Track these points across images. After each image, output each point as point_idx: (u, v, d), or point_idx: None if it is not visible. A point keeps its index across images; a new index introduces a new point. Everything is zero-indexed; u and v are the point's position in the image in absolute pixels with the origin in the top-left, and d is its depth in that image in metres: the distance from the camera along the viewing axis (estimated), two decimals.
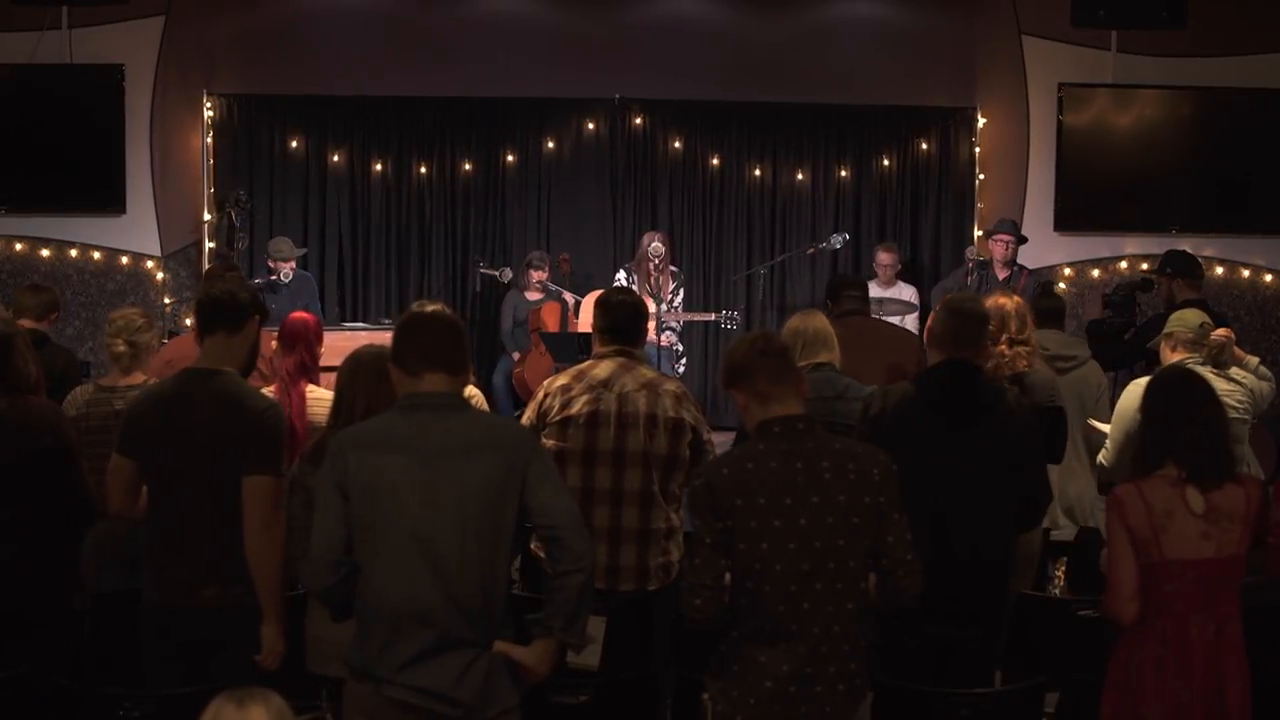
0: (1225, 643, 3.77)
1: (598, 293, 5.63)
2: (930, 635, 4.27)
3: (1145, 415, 3.94)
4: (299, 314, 5.64)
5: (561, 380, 4.90)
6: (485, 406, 5.28)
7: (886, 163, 11.14)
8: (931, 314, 4.68)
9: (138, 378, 5.27)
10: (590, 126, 11.09)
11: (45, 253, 10.25)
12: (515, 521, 3.44)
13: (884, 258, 10.42)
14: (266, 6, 10.84)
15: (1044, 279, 10.10)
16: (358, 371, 4.29)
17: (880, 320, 7.69)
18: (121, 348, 5.26)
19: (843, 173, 11.14)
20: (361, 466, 3.41)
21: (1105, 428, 5.79)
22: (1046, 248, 10.46)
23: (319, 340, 5.54)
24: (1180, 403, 3.84)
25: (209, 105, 10.66)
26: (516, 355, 10.29)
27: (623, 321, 4.92)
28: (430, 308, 4.99)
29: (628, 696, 4.17)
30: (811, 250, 10.51)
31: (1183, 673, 3.74)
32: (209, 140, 10.65)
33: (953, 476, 4.29)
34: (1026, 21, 10.42)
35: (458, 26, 10.92)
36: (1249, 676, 3.81)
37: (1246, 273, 10.51)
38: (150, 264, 10.35)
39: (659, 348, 9.59)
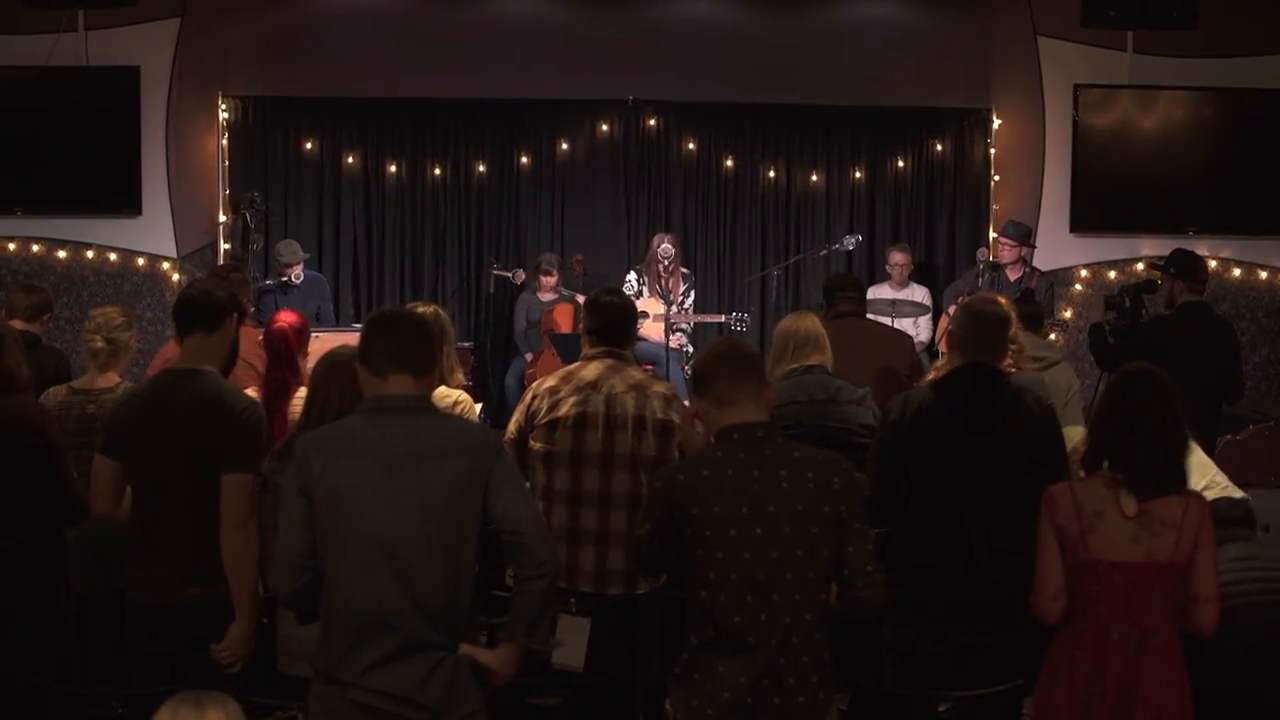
0: (1148, 655, 3.69)
1: None
2: (955, 641, 4.25)
3: (1097, 414, 3.90)
4: (281, 322, 5.49)
5: (550, 382, 4.82)
6: (474, 410, 5.23)
7: (901, 164, 11.08)
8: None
9: (112, 379, 5.27)
10: (604, 128, 11.06)
11: (62, 254, 10.30)
12: (482, 526, 3.43)
13: (897, 258, 10.33)
14: (281, 9, 10.87)
15: (1057, 280, 10.05)
16: (333, 371, 4.29)
17: (874, 321, 7.65)
18: (100, 344, 5.24)
19: (857, 174, 11.09)
20: (325, 471, 3.40)
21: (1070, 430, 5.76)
22: (1062, 249, 10.36)
23: (301, 349, 5.43)
24: (1130, 407, 3.78)
25: (224, 107, 10.70)
26: (529, 356, 10.29)
27: (611, 322, 4.84)
28: (422, 309, 5.02)
29: (603, 698, 4.16)
30: (824, 252, 10.46)
31: (1097, 678, 3.70)
32: (224, 142, 10.69)
33: (976, 481, 4.27)
34: (1042, 22, 10.33)
35: (471, 29, 10.92)
36: (1180, 695, 3.71)
37: (1264, 274, 10.40)
38: (166, 265, 10.38)
39: (668, 349, 9.58)
